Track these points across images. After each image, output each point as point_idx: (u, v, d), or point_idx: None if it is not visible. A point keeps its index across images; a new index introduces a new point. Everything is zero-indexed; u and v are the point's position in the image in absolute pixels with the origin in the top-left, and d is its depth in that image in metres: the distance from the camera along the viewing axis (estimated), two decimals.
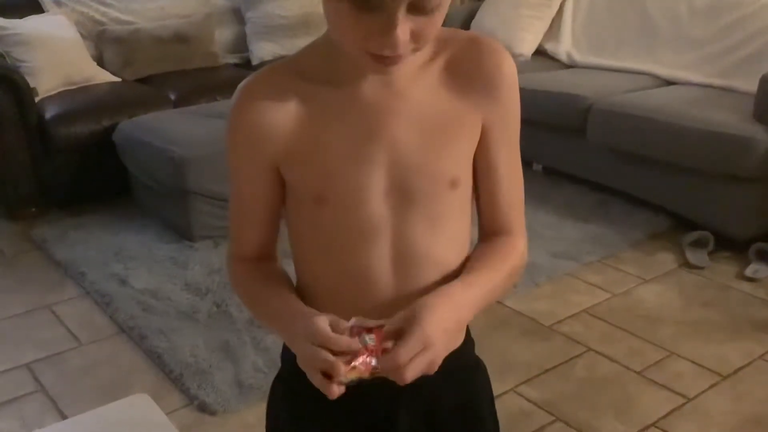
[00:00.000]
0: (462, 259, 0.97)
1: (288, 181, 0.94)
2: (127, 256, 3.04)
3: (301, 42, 4.06)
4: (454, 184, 0.93)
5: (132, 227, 3.30)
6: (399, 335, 0.82)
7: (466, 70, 0.92)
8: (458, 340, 0.99)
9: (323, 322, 0.83)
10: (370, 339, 0.81)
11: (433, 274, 0.95)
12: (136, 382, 2.29)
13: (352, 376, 0.81)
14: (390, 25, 0.76)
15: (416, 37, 0.79)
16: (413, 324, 0.82)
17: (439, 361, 0.83)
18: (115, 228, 3.30)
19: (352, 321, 0.83)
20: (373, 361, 0.81)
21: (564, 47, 4.09)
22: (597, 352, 2.39)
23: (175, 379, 2.28)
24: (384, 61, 0.81)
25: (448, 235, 0.95)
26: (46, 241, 3.19)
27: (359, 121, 0.90)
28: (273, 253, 1.03)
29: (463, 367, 1.04)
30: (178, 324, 2.55)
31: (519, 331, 2.49)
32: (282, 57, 3.71)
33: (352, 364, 0.80)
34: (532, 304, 2.63)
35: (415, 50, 0.82)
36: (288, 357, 1.04)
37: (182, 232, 3.17)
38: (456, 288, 0.89)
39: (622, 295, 2.72)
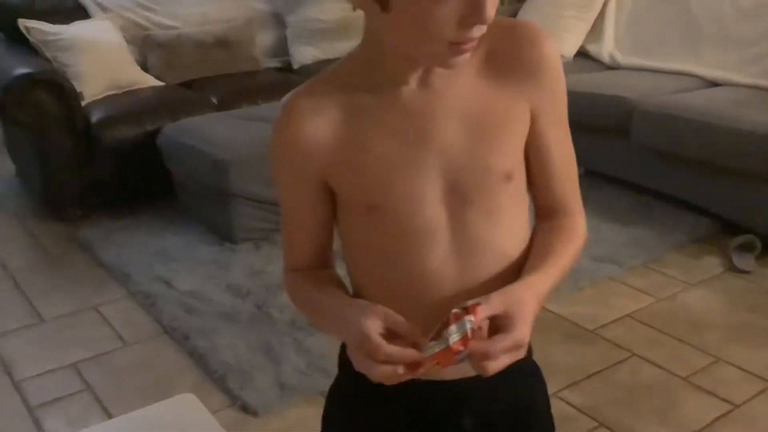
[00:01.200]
0: (522, 249, 0.96)
1: (338, 192, 0.95)
2: (170, 258, 3.08)
3: (341, 45, 4.11)
4: (508, 176, 0.92)
5: (175, 229, 3.34)
6: (493, 323, 0.83)
7: (507, 60, 0.91)
8: None
9: (374, 327, 0.84)
10: (469, 321, 0.80)
11: (494, 267, 0.94)
12: (179, 382, 2.32)
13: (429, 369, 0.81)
14: (481, 5, 0.77)
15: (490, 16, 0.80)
16: (512, 320, 0.83)
17: (523, 341, 0.84)
18: (158, 230, 3.35)
19: (453, 311, 0.83)
20: (461, 354, 0.80)
21: (606, 48, 4.05)
22: (641, 357, 2.35)
23: (217, 380, 2.31)
24: (466, 45, 0.81)
25: (506, 227, 0.94)
26: (92, 243, 3.25)
27: (405, 127, 0.90)
28: (328, 262, 1.03)
29: (523, 370, 1.03)
30: (220, 325, 2.58)
31: (562, 335, 2.46)
32: (322, 61, 3.72)
33: (435, 360, 0.80)
34: (574, 308, 2.60)
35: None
36: (346, 361, 1.05)
37: (224, 234, 3.21)
38: (538, 280, 0.89)
39: (666, 299, 2.68)
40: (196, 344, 2.48)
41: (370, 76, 0.90)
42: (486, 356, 0.81)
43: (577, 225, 0.99)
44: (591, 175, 3.62)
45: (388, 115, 0.90)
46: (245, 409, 2.18)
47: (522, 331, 0.83)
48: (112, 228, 3.37)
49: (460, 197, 0.91)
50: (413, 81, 0.89)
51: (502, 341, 0.81)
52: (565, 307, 2.60)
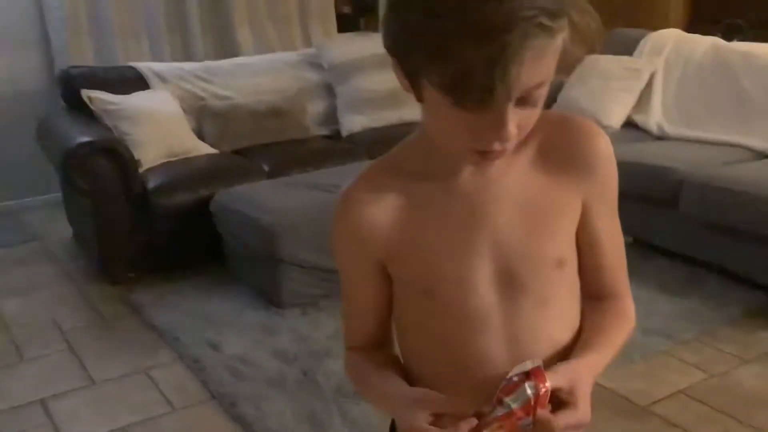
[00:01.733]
0: (572, 337, 0.98)
1: (394, 276, 0.98)
2: (219, 322, 3.12)
3: (389, 114, 4.18)
4: (561, 263, 0.94)
5: (224, 293, 3.39)
6: (553, 396, 0.84)
7: (561, 152, 0.93)
8: None
9: (423, 419, 0.87)
10: (531, 388, 0.81)
11: (546, 354, 0.95)
12: None
13: None
14: (501, 123, 0.78)
15: (521, 128, 0.81)
16: (574, 396, 0.84)
17: (585, 419, 0.85)
18: (208, 293, 3.41)
19: (511, 372, 0.84)
20: (524, 421, 0.81)
21: (654, 119, 4.05)
22: None
23: None
24: (490, 155, 0.83)
25: (558, 315, 0.96)
26: (143, 305, 3.31)
27: (459, 212, 0.93)
28: (387, 341, 1.06)
29: None
30: (266, 391, 2.59)
31: (613, 411, 2.41)
32: (370, 129, 3.80)
33: (498, 424, 0.81)
34: (626, 383, 2.55)
35: (518, 140, 0.84)
36: None
37: (272, 299, 3.24)
38: (594, 360, 0.90)
39: (719, 375, 2.61)
40: (242, 411, 2.49)
41: (425, 163, 0.94)
42: (550, 428, 0.81)
43: (627, 308, 1.01)
44: (640, 246, 3.58)
45: (442, 200, 0.93)
46: None
47: (585, 411, 0.84)
48: (163, 291, 3.43)
49: (512, 282, 0.93)
50: (467, 168, 0.92)
51: (567, 417, 0.83)
52: (617, 381, 2.56)
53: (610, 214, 0.98)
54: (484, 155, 0.83)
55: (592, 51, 0.81)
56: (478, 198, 0.92)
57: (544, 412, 0.81)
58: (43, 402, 2.64)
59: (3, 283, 3.68)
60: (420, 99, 0.83)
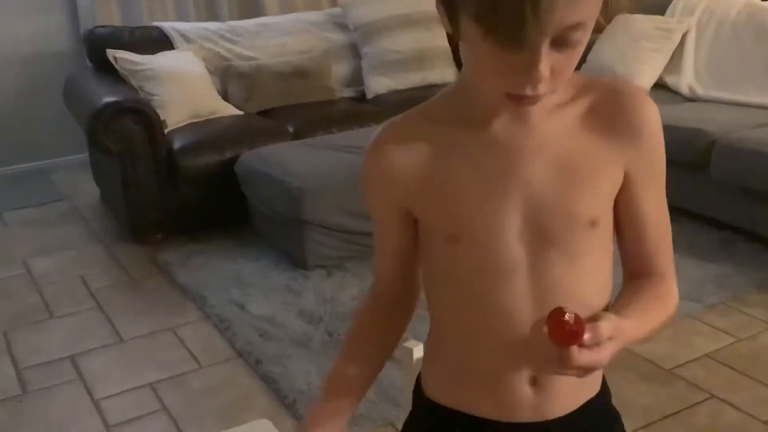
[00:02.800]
0: (602, 299, 0.95)
1: (420, 220, 0.96)
2: (245, 283, 3.14)
3: (415, 76, 4.15)
4: (593, 223, 0.91)
5: (250, 254, 3.41)
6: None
7: (608, 116, 0.90)
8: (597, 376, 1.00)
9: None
10: (570, 317, 0.80)
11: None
12: (252, 406, 2.35)
13: None
14: (533, 62, 0.76)
15: (555, 74, 0.78)
16: (605, 318, 0.82)
17: (602, 365, 0.83)
18: (234, 255, 3.43)
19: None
20: (570, 320, 0.80)
21: (685, 80, 3.97)
22: (721, 399, 2.28)
23: (288, 405, 2.33)
24: (522, 101, 0.81)
25: (588, 273, 0.93)
26: (171, 266, 3.34)
27: (492, 159, 0.90)
28: (411, 292, 1.05)
29: (604, 417, 1.02)
30: (292, 351, 2.61)
31: (638, 374, 2.40)
32: (395, 91, 3.78)
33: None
34: (651, 346, 2.54)
35: (553, 90, 0.81)
36: (419, 393, 1.05)
37: (297, 261, 3.26)
38: (631, 327, 0.87)
39: (747, 339, 2.59)
40: (268, 369, 2.51)
41: (461, 112, 0.92)
42: (568, 357, 0.80)
43: (670, 290, 0.98)
44: (671, 210, 3.52)
45: (475, 146, 0.91)
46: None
47: (619, 324, 0.82)
48: (190, 251, 3.46)
49: (541, 236, 0.90)
50: (507, 116, 0.90)
51: (600, 326, 0.80)
52: (642, 345, 2.54)
53: (656, 189, 0.95)
54: (517, 100, 0.81)
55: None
56: (514, 147, 0.90)
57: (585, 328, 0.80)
58: (72, 358, 2.69)
59: (32, 243, 3.74)
60: (458, 36, 0.81)
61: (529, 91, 0.79)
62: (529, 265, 0.91)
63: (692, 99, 3.91)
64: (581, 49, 0.79)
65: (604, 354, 0.81)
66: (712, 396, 2.29)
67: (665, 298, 0.96)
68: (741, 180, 3.16)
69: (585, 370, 0.81)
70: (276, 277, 3.19)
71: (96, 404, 2.42)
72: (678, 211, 3.46)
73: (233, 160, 3.54)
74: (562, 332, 0.79)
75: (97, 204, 4.21)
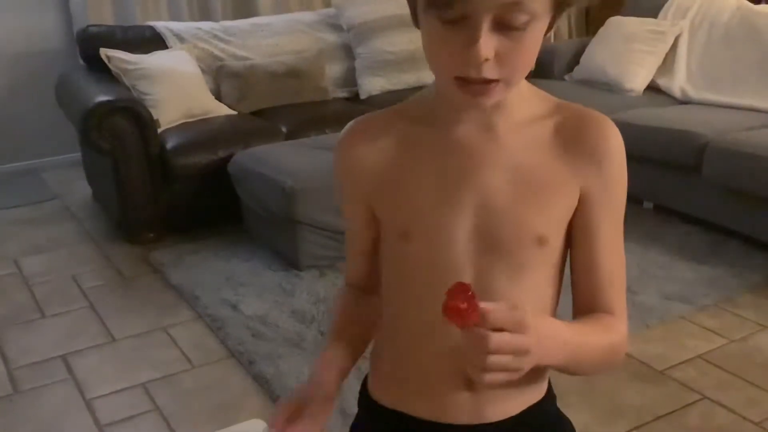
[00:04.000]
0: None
1: (378, 216, 0.98)
2: (237, 282, 3.14)
3: (409, 77, 4.15)
4: (541, 241, 0.90)
5: (243, 254, 3.41)
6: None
7: (572, 138, 0.91)
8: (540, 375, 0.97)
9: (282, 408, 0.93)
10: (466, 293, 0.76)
11: None
12: (244, 406, 2.35)
13: None
14: (473, 38, 0.77)
15: (502, 61, 0.79)
16: (511, 307, 0.78)
17: (527, 367, 0.79)
18: (227, 254, 3.42)
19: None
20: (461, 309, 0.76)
21: (678, 83, 3.99)
22: (712, 400, 2.29)
23: None
24: (470, 89, 0.82)
25: (531, 290, 0.92)
26: (163, 265, 3.33)
27: (451, 162, 0.91)
28: (376, 289, 1.04)
29: (548, 423, 1.01)
30: (285, 351, 2.61)
31: (629, 375, 2.41)
32: (389, 91, 3.78)
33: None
34: (643, 347, 2.55)
35: (505, 82, 0.82)
36: (365, 391, 1.08)
37: (290, 261, 3.25)
38: (558, 325, 0.86)
39: (739, 341, 2.60)
40: (261, 369, 2.51)
41: (430, 110, 0.94)
42: (480, 337, 0.75)
43: (619, 327, 0.94)
44: (662, 212, 3.55)
45: (437, 147, 0.92)
46: None
47: (524, 314, 0.77)
48: (182, 251, 3.45)
49: (489, 245, 0.90)
50: (474, 121, 0.91)
51: (498, 310, 0.77)
52: (634, 345, 2.55)
53: (612, 220, 0.93)
54: (465, 87, 0.82)
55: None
56: (474, 152, 0.91)
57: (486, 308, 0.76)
58: (64, 358, 2.67)
59: (24, 242, 3.72)
60: (417, 24, 0.85)
61: (473, 73, 0.80)
62: (475, 272, 0.90)
63: (684, 101, 3.93)
64: (531, 37, 0.80)
65: (517, 344, 0.76)
66: (704, 397, 2.30)
67: (611, 330, 0.93)
68: (733, 182, 3.17)
69: (496, 367, 0.77)
70: (269, 276, 3.18)
71: (88, 404, 2.41)
72: (670, 213, 3.49)
73: (226, 160, 3.53)
74: (452, 305, 0.76)
75: (89, 203, 4.20)
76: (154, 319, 2.91)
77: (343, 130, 0.99)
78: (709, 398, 2.29)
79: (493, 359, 0.76)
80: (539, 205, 0.90)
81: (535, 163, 0.90)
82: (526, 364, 0.79)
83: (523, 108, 0.91)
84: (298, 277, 3.15)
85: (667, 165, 3.42)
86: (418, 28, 0.85)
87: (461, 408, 0.95)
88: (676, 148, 3.38)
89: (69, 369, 2.61)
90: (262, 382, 2.46)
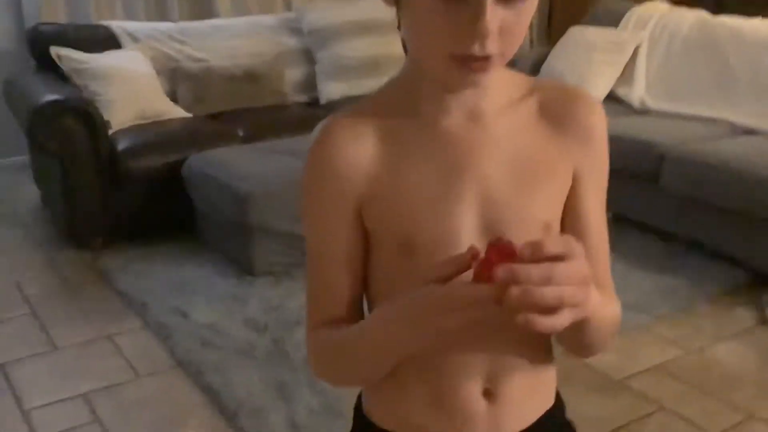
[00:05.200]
0: None
1: (370, 227, 0.87)
2: (188, 290, 3.04)
3: (370, 83, 4.09)
4: (547, 227, 0.86)
5: (195, 260, 3.31)
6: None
7: (560, 116, 0.87)
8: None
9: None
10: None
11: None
12: (191, 418, 2.26)
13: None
14: (479, 13, 0.72)
15: (504, 34, 0.75)
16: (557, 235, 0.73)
17: (589, 304, 0.71)
18: (179, 260, 3.32)
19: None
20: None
21: (637, 93, 3.99)
22: (670, 411, 2.26)
23: (229, 418, 2.24)
24: (472, 65, 0.76)
25: None
26: (111, 272, 3.22)
27: (445, 157, 0.84)
28: (359, 316, 0.92)
29: (562, 430, 0.98)
30: (235, 360, 2.52)
31: (586, 385, 2.37)
32: (350, 97, 3.72)
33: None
34: (600, 357, 2.48)
35: (502, 57, 0.77)
36: (360, 413, 0.98)
37: (244, 267, 3.16)
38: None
39: (696, 351, 2.58)
40: (209, 380, 2.42)
41: (410, 100, 0.86)
42: (531, 275, 0.66)
43: (613, 297, 0.91)
44: (619, 221, 3.53)
45: (427, 142, 0.85)
46: None
47: (575, 242, 0.70)
48: (132, 257, 3.34)
49: None
50: (458, 109, 0.85)
51: (549, 241, 0.69)
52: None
53: (598, 195, 0.91)
54: (465, 64, 0.76)
55: None
56: (467, 143, 0.85)
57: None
58: (2, 367, 2.55)
59: None
60: (398, 3, 0.78)
61: (477, 50, 0.74)
62: None
63: (643, 111, 3.93)
64: (531, 9, 0.76)
65: (581, 269, 0.69)
66: (662, 408, 2.27)
67: (609, 300, 0.90)
68: (690, 192, 3.17)
69: (568, 301, 0.67)
70: (221, 283, 3.09)
71: (25, 414, 2.30)
72: (628, 222, 3.47)
73: (180, 163, 3.43)
74: (490, 257, 0.68)
75: (37, 207, 4.05)
76: (99, 327, 2.80)
77: (320, 130, 0.88)
78: (667, 409, 2.26)
79: (566, 291, 0.67)
80: (540, 190, 0.85)
81: (529, 147, 0.86)
82: (589, 299, 0.72)
83: (503, 90, 0.86)
84: (251, 285, 3.07)
85: (625, 174, 3.40)
86: (396, 6, 0.78)
87: (478, 419, 0.88)
88: (634, 158, 3.37)
89: (6, 378, 2.49)
90: (210, 393, 2.37)
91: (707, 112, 3.67)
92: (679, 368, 2.48)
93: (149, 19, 4.66)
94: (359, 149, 0.85)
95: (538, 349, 0.92)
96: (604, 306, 0.83)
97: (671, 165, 3.23)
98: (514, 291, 0.66)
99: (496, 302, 0.68)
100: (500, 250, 0.69)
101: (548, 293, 0.67)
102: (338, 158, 0.85)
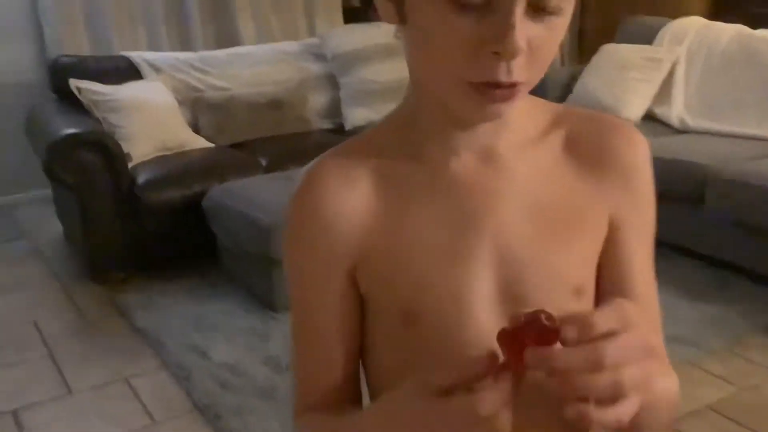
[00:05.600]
0: None
1: (365, 292, 0.73)
2: (208, 326, 2.92)
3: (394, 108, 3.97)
4: (578, 292, 0.70)
5: (216, 295, 3.19)
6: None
7: (592, 151, 0.72)
8: None
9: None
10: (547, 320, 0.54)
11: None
12: None
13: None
14: (506, 27, 0.57)
15: (534, 53, 0.60)
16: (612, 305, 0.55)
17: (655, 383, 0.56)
18: (199, 295, 3.20)
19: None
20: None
21: (675, 111, 3.82)
22: None
23: None
24: (494, 94, 0.61)
25: None
26: (130, 307, 3.12)
27: (454, 206, 0.70)
28: (356, 397, 0.79)
29: None
30: (254, 403, 2.39)
31: None
32: (375, 122, 3.61)
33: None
34: None
35: (528, 84, 0.62)
36: None
37: (266, 302, 3.04)
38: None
39: (751, 388, 2.38)
40: (227, 424, 2.28)
41: (411, 140, 0.71)
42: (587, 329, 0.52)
43: (672, 374, 0.74)
44: (663, 247, 3.32)
45: (432, 188, 0.71)
46: None
47: (631, 314, 0.54)
48: (152, 292, 3.23)
49: (518, 305, 0.68)
50: (468, 151, 0.70)
51: (599, 314, 0.54)
52: None
53: (643, 247, 0.75)
54: (486, 93, 0.61)
55: None
56: (479, 188, 0.70)
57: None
58: (15, 413, 2.44)
59: None
60: (404, 18, 0.63)
61: (502, 75, 0.59)
62: None
63: (683, 131, 3.75)
64: (563, 25, 0.61)
65: (639, 339, 0.53)
66: None
67: (668, 374, 0.73)
68: (737, 215, 2.98)
69: (630, 382, 0.52)
70: (242, 319, 2.96)
71: None
72: (671, 248, 3.28)
73: (201, 195, 3.33)
74: (521, 339, 0.54)
75: (59, 242, 3.98)
76: (115, 367, 2.68)
77: (303, 176, 0.74)
78: None
79: (626, 374, 0.52)
80: (569, 246, 0.71)
81: (555, 192, 0.71)
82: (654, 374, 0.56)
83: (523, 123, 0.71)
84: (274, 320, 2.94)
85: (667, 198, 3.19)
86: (402, 21, 0.64)
87: None
88: (676, 180, 3.19)
89: (19, 425, 2.38)
90: None
91: (750, 130, 3.48)
92: (733, 408, 2.28)
93: (173, 48, 4.62)
94: (352, 197, 0.71)
95: None
96: (663, 380, 0.67)
97: (715, 187, 3.05)
98: (552, 384, 0.51)
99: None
100: (540, 332, 0.53)
101: (603, 381, 0.52)
102: (327, 208, 0.71)
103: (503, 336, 0.56)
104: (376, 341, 0.75)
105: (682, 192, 3.17)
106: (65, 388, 2.57)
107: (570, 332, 0.53)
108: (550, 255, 0.69)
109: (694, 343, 2.60)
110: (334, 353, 0.75)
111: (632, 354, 0.53)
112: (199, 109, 3.93)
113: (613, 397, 0.52)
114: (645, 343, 0.55)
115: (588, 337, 0.52)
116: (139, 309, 3.10)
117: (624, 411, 0.53)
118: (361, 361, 0.78)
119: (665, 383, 0.70)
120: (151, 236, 3.38)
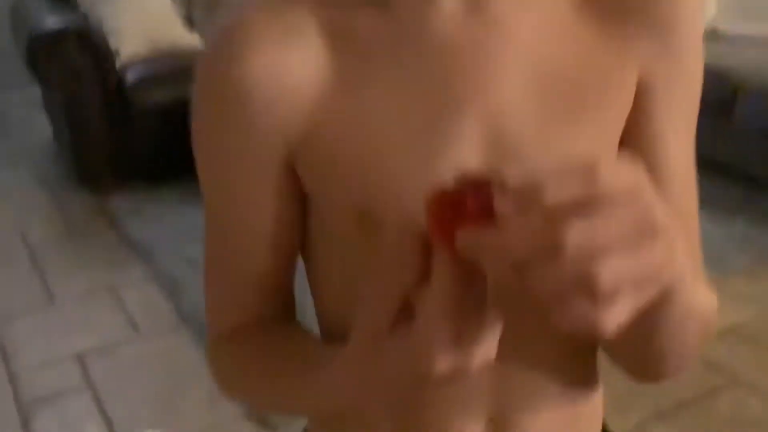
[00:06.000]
0: None
1: (309, 189, 0.54)
2: (201, 236, 2.76)
3: None
4: None
5: None
6: None
7: None
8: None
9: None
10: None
11: (553, 341, 0.57)
12: (192, 385, 1.99)
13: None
14: None
15: None
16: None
17: (670, 273, 0.37)
18: (194, 203, 3.02)
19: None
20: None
21: (706, 12, 3.55)
22: (747, 384, 1.93)
23: None
24: None
25: None
26: (120, 215, 2.98)
27: (430, 73, 0.51)
28: (289, 311, 0.62)
29: None
30: None
31: None
32: None
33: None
34: None
35: None
36: None
37: None
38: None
39: None
40: None
41: None
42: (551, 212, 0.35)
43: (707, 291, 0.56)
44: None
45: (406, 49, 0.51)
46: (264, 422, 1.86)
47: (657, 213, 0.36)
48: (144, 200, 3.08)
49: None
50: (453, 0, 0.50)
51: (558, 174, 0.36)
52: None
53: (683, 120, 0.57)
54: None
55: None
56: (465, 51, 0.51)
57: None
58: None
59: None
60: None
61: None
62: None
63: (713, 37, 3.49)
64: None
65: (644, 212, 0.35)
66: (737, 380, 1.94)
67: (700, 285, 0.55)
68: None
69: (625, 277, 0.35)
70: None
71: (12, 377, 2.07)
72: (697, 161, 3.08)
73: None
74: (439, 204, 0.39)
75: (49, 144, 3.81)
76: (101, 276, 2.55)
77: (223, 29, 0.52)
78: (742, 381, 1.94)
79: (604, 268, 0.34)
80: (588, 119, 0.53)
81: (570, 52, 0.52)
82: (671, 265, 0.37)
83: None
84: None
85: None
86: None
87: None
88: (703, 89, 2.96)
89: None
90: None
91: None
92: (757, 331, 2.14)
93: None
94: (292, 59, 0.50)
95: (571, 366, 0.61)
96: (694, 290, 0.49)
97: (746, 97, 2.85)
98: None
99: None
100: (477, 189, 0.37)
101: (564, 275, 0.34)
102: (257, 75, 0.50)
103: (433, 208, 0.39)
104: (322, 252, 0.58)
105: (710, 102, 2.94)
106: (48, 298, 2.45)
107: (506, 201, 0.35)
108: (559, 134, 0.51)
109: (717, 263, 2.43)
110: (265, 265, 0.58)
111: (620, 235, 0.34)
112: (194, 5, 3.68)
113: (592, 298, 0.34)
114: (656, 219, 0.35)
115: (570, 196, 0.34)
116: (130, 217, 2.95)
117: (613, 317, 0.35)
118: (310, 282, 0.61)
119: (698, 295, 0.52)
120: (142, 140, 3.20)
